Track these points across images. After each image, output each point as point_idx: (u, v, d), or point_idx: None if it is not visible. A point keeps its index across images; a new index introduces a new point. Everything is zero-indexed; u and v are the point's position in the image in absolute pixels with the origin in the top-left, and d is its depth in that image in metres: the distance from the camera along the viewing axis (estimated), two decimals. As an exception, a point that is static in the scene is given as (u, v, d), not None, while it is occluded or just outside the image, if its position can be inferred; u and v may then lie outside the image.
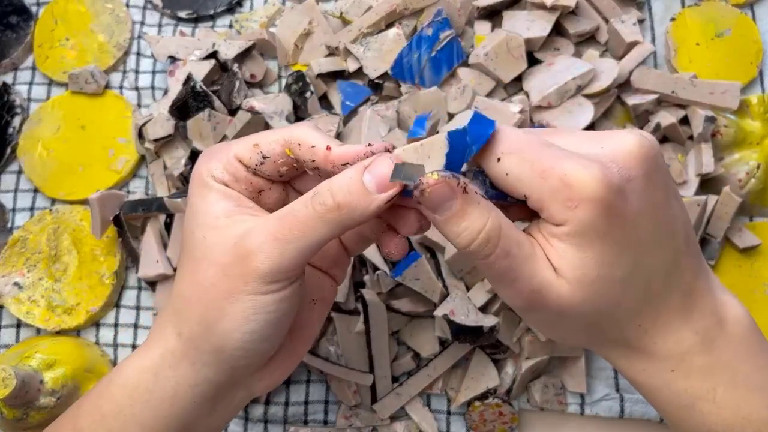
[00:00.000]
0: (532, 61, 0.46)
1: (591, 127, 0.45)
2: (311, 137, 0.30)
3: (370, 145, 0.29)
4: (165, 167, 0.49)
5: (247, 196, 0.31)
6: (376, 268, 0.43)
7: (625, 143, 0.27)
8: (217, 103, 0.48)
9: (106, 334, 0.48)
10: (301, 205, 0.28)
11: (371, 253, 0.43)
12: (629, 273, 0.27)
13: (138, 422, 0.30)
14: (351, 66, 0.48)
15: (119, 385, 0.30)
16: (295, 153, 0.30)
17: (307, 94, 0.48)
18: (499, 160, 0.27)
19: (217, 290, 0.29)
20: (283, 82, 0.52)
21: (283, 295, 0.29)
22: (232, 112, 0.48)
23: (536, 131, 0.29)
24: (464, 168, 0.28)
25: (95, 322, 0.48)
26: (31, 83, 0.54)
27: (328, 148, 0.29)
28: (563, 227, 0.26)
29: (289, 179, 0.33)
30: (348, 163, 0.29)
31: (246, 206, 0.30)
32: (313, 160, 0.30)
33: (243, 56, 0.50)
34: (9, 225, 0.51)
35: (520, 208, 0.29)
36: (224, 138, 0.47)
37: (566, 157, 0.26)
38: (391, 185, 0.27)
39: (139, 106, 0.53)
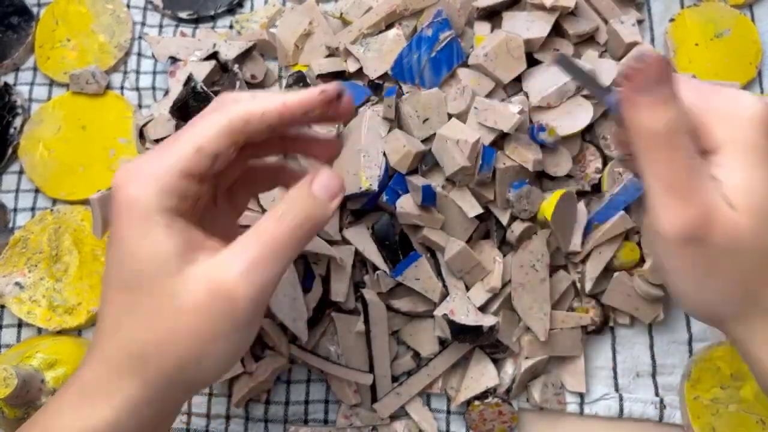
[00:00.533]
0: (532, 61, 0.46)
1: (590, 127, 0.45)
2: (254, 107, 0.28)
3: (323, 92, 0.29)
4: (166, 167, 0.49)
5: (188, 212, 0.28)
6: (376, 268, 0.44)
7: None
8: (217, 103, 0.48)
9: (107, 334, 0.48)
10: (271, 222, 0.28)
11: (371, 253, 0.43)
12: None
13: None
14: (351, 66, 0.48)
15: None
16: (246, 131, 0.28)
17: (308, 95, 0.48)
18: None
19: (197, 334, 0.27)
20: (284, 82, 0.52)
21: (260, 319, 0.29)
22: (233, 112, 0.48)
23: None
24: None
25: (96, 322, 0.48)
26: (32, 84, 0.54)
27: (284, 103, 0.28)
28: (727, 147, 0.26)
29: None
30: (308, 112, 0.29)
31: (195, 238, 0.28)
32: (270, 124, 0.28)
33: (243, 57, 0.50)
34: (10, 225, 0.51)
35: None
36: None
37: (728, 87, 0.27)
38: (339, 191, 0.29)
39: (139, 106, 0.53)
